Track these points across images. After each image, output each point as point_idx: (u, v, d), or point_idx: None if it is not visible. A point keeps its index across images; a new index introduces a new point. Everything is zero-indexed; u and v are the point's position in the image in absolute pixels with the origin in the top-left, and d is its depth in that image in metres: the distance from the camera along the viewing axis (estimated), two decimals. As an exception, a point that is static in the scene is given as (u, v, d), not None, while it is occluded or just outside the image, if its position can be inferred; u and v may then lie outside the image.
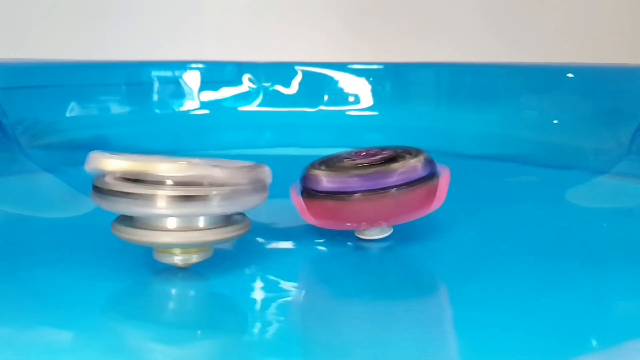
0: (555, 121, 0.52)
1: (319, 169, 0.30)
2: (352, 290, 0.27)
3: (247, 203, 0.25)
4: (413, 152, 0.30)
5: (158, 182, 0.23)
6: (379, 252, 0.31)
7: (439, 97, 0.57)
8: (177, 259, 0.25)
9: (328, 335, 0.24)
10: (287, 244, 0.33)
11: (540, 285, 0.28)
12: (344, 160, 0.31)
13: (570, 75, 0.53)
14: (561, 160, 0.48)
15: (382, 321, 0.24)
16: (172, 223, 0.25)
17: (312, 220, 0.30)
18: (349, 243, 0.32)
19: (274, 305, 0.26)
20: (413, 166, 0.29)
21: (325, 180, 0.29)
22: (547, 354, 0.22)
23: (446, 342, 0.23)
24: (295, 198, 0.31)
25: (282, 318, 0.25)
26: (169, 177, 0.23)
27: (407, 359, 0.21)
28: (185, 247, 0.25)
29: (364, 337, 0.23)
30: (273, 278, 0.28)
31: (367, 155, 0.31)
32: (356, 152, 0.31)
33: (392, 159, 0.30)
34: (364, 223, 0.30)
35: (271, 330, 0.24)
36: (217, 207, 0.24)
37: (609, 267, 0.30)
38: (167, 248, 0.25)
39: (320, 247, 0.32)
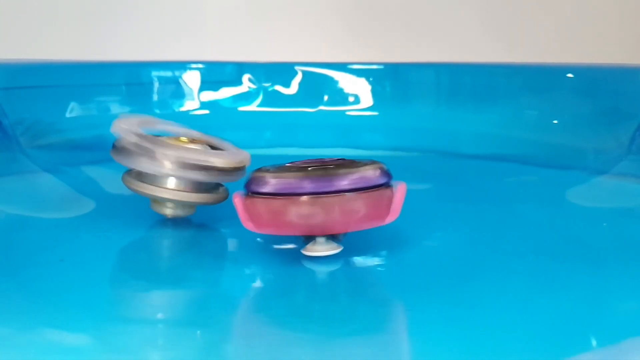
0: (555, 121, 0.52)
1: (265, 170, 0.28)
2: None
3: (225, 179, 0.32)
4: (369, 162, 0.28)
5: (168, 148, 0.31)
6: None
7: (439, 97, 0.57)
8: (168, 211, 0.33)
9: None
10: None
11: (540, 285, 0.28)
12: (294, 164, 0.29)
13: (570, 75, 0.53)
14: (561, 160, 0.48)
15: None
16: (170, 183, 0.32)
17: (252, 226, 0.28)
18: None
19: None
20: (367, 173, 0.27)
21: (271, 180, 0.27)
22: (547, 353, 0.22)
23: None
24: (237, 200, 0.28)
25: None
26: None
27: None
28: (176, 203, 0.32)
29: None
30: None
31: (320, 162, 0.28)
32: (309, 160, 0.29)
33: (345, 165, 0.27)
34: (311, 229, 0.27)
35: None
36: (201, 176, 0.31)
37: (609, 267, 0.30)
38: (162, 201, 0.32)
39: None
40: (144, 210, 0.34)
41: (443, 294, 0.27)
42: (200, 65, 0.57)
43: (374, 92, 0.57)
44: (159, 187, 0.31)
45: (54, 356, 0.22)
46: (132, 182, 0.32)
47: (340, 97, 0.57)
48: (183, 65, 0.56)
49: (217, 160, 0.31)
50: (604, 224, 0.36)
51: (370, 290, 0.28)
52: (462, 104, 0.56)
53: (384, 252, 0.31)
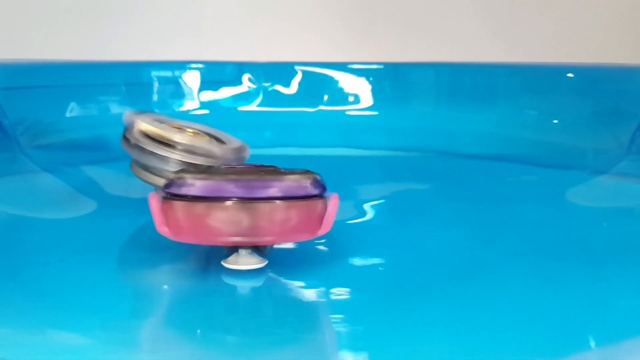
0: (555, 121, 0.52)
1: (187, 172, 0.26)
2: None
3: None
4: (303, 172, 0.26)
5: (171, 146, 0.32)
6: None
7: (439, 97, 0.57)
8: None
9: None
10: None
11: (540, 285, 0.28)
12: (221, 168, 0.27)
13: (570, 75, 0.53)
14: (561, 160, 0.48)
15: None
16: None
17: (167, 232, 0.25)
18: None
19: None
20: (298, 182, 0.25)
21: (193, 182, 0.25)
22: (547, 353, 0.22)
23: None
24: (153, 201, 0.25)
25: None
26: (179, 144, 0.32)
27: None
28: None
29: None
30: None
31: (251, 167, 0.27)
32: (240, 165, 0.28)
33: (277, 172, 0.25)
34: (235, 239, 0.25)
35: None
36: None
37: (608, 267, 0.30)
38: None
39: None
40: (141, 205, 0.34)
41: (443, 293, 0.27)
42: (200, 65, 0.57)
43: (374, 92, 0.57)
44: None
45: (54, 356, 0.22)
46: (140, 171, 0.34)
47: (340, 97, 0.57)
48: (183, 65, 0.56)
49: (218, 149, 0.33)
50: (604, 224, 0.36)
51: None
52: (462, 104, 0.56)
53: (384, 252, 0.31)
